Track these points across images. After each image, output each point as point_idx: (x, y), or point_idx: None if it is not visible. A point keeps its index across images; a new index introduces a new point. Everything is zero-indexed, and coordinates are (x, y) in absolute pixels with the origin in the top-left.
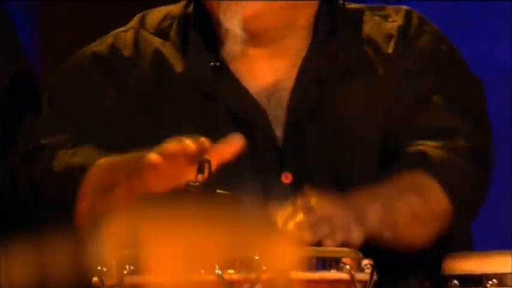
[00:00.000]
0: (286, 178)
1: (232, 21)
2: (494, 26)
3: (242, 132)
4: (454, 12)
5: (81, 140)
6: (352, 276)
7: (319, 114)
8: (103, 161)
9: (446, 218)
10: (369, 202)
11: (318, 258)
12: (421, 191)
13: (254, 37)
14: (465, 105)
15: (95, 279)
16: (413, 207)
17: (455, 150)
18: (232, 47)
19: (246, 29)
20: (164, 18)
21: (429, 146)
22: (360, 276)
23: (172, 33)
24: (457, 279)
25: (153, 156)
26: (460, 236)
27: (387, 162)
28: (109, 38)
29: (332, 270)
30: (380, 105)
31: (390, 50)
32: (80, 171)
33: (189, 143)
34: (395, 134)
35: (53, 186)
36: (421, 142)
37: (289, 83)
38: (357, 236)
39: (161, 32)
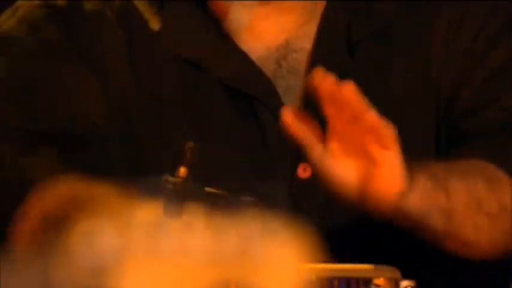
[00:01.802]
0: (304, 172)
1: None
2: None
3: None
4: None
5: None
6: None
7: None
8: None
9: None
10: (416, 173)
11: (341, 279)
12: (490, 179)
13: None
14: None
15: None
16: (478, 193)
17: None
18: (240, 19)
19: None
20: None
21: (502, 135)
22: None
23: None
24: None
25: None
26: None
27: (444, 153)
28: None
29: None
30: (437, 77)
31: None
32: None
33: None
34: (458, 116)
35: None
36: (491, 129)
37: (306, 42)
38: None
39: None
